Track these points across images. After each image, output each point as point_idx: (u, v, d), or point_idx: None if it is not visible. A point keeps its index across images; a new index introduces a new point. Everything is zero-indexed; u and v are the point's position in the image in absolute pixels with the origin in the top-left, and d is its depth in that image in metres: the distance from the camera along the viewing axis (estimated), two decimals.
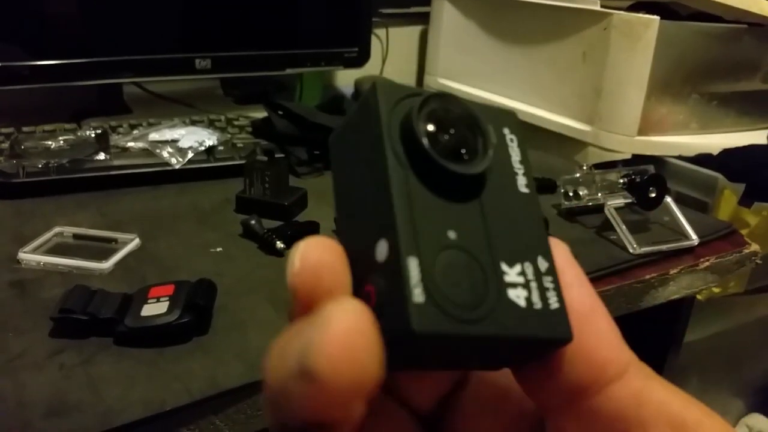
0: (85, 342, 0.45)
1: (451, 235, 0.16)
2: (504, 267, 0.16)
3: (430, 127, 0.17)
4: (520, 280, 0.16)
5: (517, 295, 0.16)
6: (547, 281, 0.17)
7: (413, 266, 0.15)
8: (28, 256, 0.55)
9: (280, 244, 0.59)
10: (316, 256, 0.16)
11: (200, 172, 0.73)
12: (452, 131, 0.17)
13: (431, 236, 0.15)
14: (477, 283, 0.16)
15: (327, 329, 0.14)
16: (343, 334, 0.14)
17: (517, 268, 0.16)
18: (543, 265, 0.17)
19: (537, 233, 0.17)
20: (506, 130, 0.19)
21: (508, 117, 0.20)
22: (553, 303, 0.17)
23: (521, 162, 0.19)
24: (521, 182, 0.18)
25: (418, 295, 0.14)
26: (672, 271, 0.62)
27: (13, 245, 0.56)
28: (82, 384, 0.41)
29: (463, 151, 0.17)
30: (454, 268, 0.15)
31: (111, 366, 0.43)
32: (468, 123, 0.17)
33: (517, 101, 1.06)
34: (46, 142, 0.71)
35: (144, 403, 0.40)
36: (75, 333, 0.46)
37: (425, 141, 0.16)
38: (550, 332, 0.16)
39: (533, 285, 0.16)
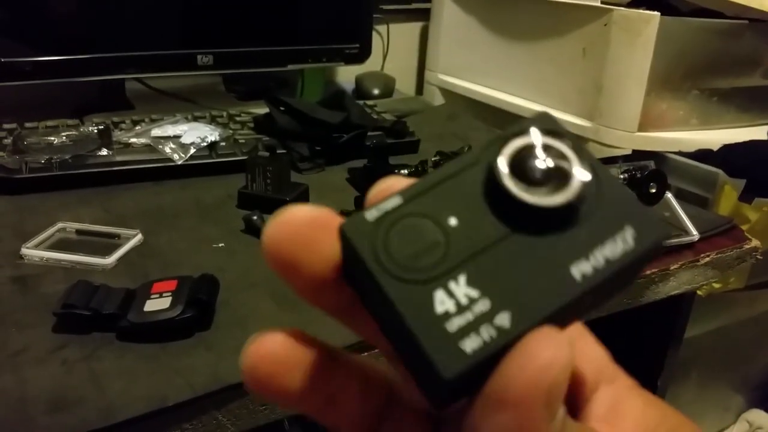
0: (87, 337, 0.46)
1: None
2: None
3: None
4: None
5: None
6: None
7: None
8: (31, 251, 0.55)
9: None
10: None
11: (202, 167, 0.74)
12: None
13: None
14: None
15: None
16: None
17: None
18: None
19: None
20: None
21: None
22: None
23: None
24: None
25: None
26: (672, 267, 0.63)
27: (15, 241, 0.57)
28: (85, 379, 0.42)
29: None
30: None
31: (113, 361, 0.43)
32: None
33: (517, 97, 1.06)
34: (48, 138, 0.71)
35: (146, 398, 0.40)
36: (78, 328, 0.46)
37: None
38: None
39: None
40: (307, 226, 0.16)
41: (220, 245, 0.60)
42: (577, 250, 0.16)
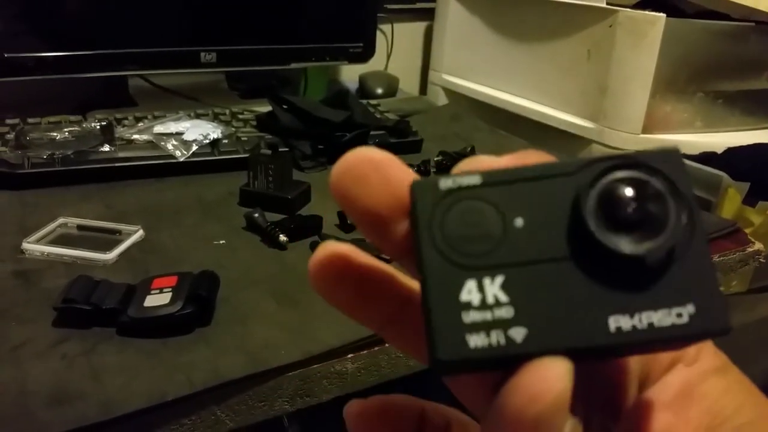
0: (88, 332, 0.46)
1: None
2: None
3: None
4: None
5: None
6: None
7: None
8: (32, 246, 0.55)
9: (282, 238, 0.59)
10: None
11: (204, 165, 0.74)
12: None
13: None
14: None
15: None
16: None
17: None
18: None
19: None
20: None
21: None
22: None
23: None
24: None
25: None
26: None
27: (17, 236, 0.57)
28: (85, 374, 0.42)
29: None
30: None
31: (113, 356, 0.43)
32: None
33: (521, 98, 1.06)
34: (51, 134, 0.71)
35: (146, 393, 0.40)
36: (78, 323, 0.46)
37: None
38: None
39: None
40: (364, 165, 0.16)
41: (221, 242, 0.60)
42: (626, 303, 0.15)
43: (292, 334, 0.47)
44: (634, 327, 0.15)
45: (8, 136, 0.71)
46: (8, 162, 0.66)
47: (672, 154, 0.15)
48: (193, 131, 0.75)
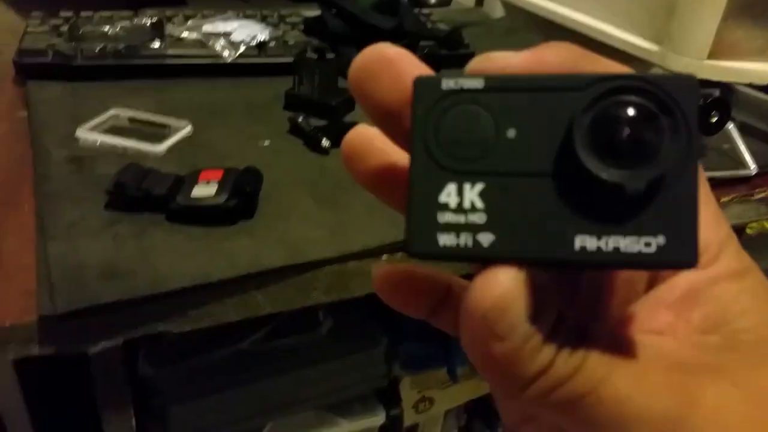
0: (138, 216, 0.48)
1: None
2: None
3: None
4: None
5: None
6: None
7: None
8: (86, 134, 0.57)
9: (325, 142, 0.60)
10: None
11: (251, 67, 0.74)
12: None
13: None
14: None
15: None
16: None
17: None
18: None
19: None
20: None
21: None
22: None
23: None
24: None
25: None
26: (723, 199, 0.61)
27: (70, 124, 0.59)
28: (135, 253, 0.44)
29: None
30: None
31: (162, 240, 0.46)
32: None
33: (583, 13, 1.01)
34: (103, 28, 0.72)
35: (192, 273, 0.42)
36: (129, 207, 0.48)
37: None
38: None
39: None
40: (378, 62, 0.17)
41: (266, 143, 0.61)
42: (596, 225, 0.15)
43: (330, 232, 0.49)
44: (599, 248, 0.15)
45: (62, 28, 0.73)
46: (62, 53, 0.68)
47: (686, 83, 0.15)
48: (240, 32, 0.75)
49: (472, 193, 0.16)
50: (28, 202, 0.50)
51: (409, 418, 0.82)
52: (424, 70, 0.17)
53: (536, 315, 0.15)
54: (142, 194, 0.48)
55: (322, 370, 0.69)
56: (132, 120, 0.61)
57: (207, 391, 0.63)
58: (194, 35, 0.74)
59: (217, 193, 0.48)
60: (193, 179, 0.50)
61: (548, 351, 0.15)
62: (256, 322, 0.63)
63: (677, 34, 0.87)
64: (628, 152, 0.15)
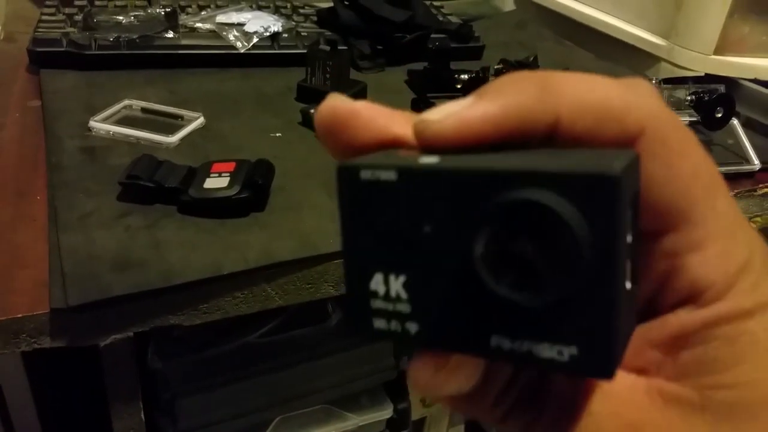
0: (150, 208, 0.48)
1: None
2: None
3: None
4: None
5: None
6: None
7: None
8: (99, 124, 0.57)
9: None
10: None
11: (264, 57, 0.74)
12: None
13: None
14: None
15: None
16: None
17: None
18: None
19: None
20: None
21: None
22: None
23: None
24: None
25: None
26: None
27: (84, 114, 0.59)
28: (147, 244, 0.44)
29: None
30: None
31: (174, 231, 0.46)
32: None
33: (592, 8, 1.01)
34: (117, 17, 0.72)
35: (203, 266, 0.43)
36: (141, 198, 0.48)
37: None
38: None
39: None
40: (332, 118, 0.17)
41: (278, 135, 0.61)
42: (509, 327, 0.15)
43: None
44: (512, 350, 0.15)
45: (76, 17, 0.73)
46: (76, 43, 0.68)
47: (606, 182, 0.13)
48: (254, 23, 0.75)
49: (397, 284, 0.16)
50: (41, 191, 0.50)
51: (416, 412, 0.82)
52: (386, 119, 0.17)
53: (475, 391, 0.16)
54: (155, 186, 0.48)
55: (330, 363, 0.69)
56: (145, 110, 0.61)
57: (215, 384, 0.64)
58: (208, 26, 0.74)
59: (230, 185, 0.48)
60: (205, 171, 0.50)
61: (499, 412, 0.16)
62: (265, 315, 0.63)
63: (684, 28, 0.87)
64: (525, 272, 0.14)
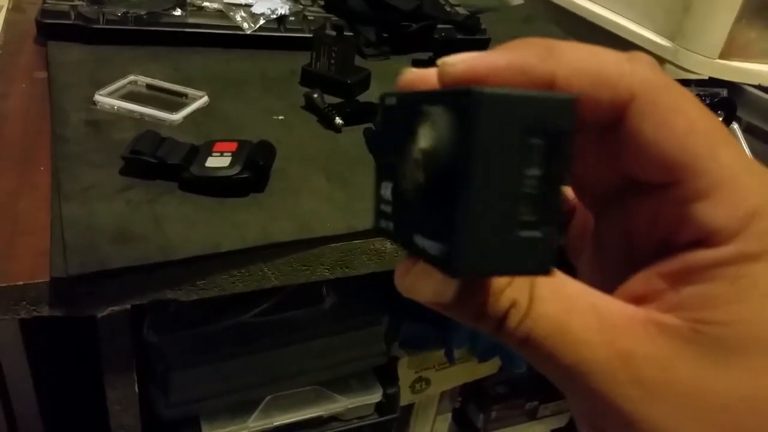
0: (152, 183, 0.49)
1: None
2: None
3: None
4: None
5: None
6: None
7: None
8: (104, 99, 0.58)
9: (338, 120, 0.61)
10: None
11: (270, 40, 0.74)
12: None
13: None
14: None
15: None
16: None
17: None
18: None
19: None
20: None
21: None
22: None
23: None
24: None
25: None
26: None
27: (89, 87, 0.59)
28: (147, 219, 0.45)
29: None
30: None
31: (175, 207, 0.47)
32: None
33: (601, 6, 1.01)
34: None
35: (202, 242, 0.43)
36: (143, 174, 0.49)
37: None
38: None
39: None
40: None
41: (280, 118, 0.62)
42: (416, 224, 0.17)
43: (339, 209, 0.49)
44: (424, 247, 0.16)
45: None
46: (84, 16, 0.68)
47: (473, 96, 0.15)
48: (261, 4, 0.75)
49: (387, 191, 0.19)
50: (45, 162, 0.51)
51: (405, 398, 0.83)
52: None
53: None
54: (157, 162, 0.48)
55: (322, 345, 0.70)
56: (150, 87, 0.62)
57: (209, 359, 0.65)
58: (215, 5, 0.74)
59: (231, 164, 0.49)
60: (207, 149, 0.50)
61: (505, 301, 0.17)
62: (261, 295, 0.64)
63: (691, 31, 0.87)
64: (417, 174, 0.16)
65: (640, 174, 0.18)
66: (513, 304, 0.17)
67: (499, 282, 0.17)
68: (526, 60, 0.17)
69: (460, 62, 0.17)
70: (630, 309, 0.17)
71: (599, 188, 0.20)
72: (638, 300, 0.18)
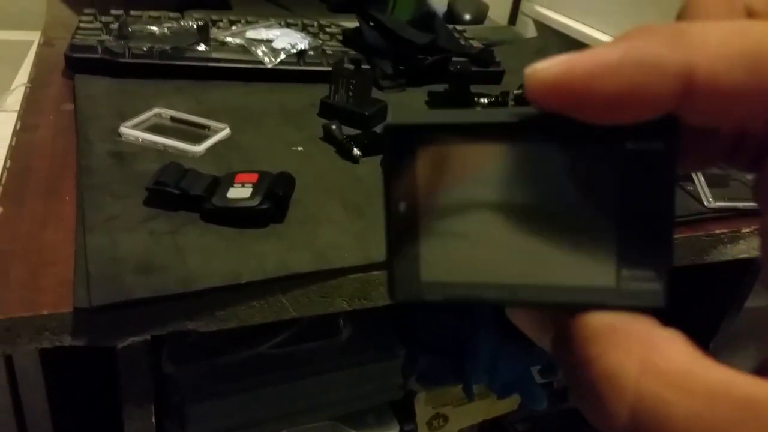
0: (174, 214, 0.50)
1: None
2: None
3: None
4: None
5: None
6: None
7: None
8: (129, 131, 0.59)
9: (356, 151, 0.62)
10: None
11: (290, 73, 0.76)
12: None
13: None
14: None
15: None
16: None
17: None
18: None
19: None
20: None
21: None
22: None
23: None
24: None
25: None
26: (744, 230, 0.61)
27: (115, 119, 0.61)
28: (169, 250, 0.46)
29: None
30: None
31: (196, 238, 0.47)
32: None
33: (610, 36, 1.02)
34: (151, 28, 0.75)
35: (222, 273, 0.44)
36: (166, 205, 0.50)
37: None
38: None
39: None
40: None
41: (299, 149, 0.63)
42: None
43: (357, 240, 0.50)
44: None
45: (112, 25, 0.75)
46: (111, 50, 0.70)
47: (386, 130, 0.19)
48: (282, 39, 0.77)
49: None
50: (70, 192, 0.52)
51: None
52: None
53: None
54: (180, 193, 0.49)
55: (339, 377, 0.70)
56: (173, 119, 0.63)
57: (225, 392, 0.65)
58: (238, 40, 0.76)
59: (252, 195, 0.50)
60: (228, 181, 0.51)
61: None
62: (277, 326, 0.65)
63: None
64: None
65: None
66: None
67: None
68: (646, 49, 0.13)
69: (555, 66, 0.14)
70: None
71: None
72: None
